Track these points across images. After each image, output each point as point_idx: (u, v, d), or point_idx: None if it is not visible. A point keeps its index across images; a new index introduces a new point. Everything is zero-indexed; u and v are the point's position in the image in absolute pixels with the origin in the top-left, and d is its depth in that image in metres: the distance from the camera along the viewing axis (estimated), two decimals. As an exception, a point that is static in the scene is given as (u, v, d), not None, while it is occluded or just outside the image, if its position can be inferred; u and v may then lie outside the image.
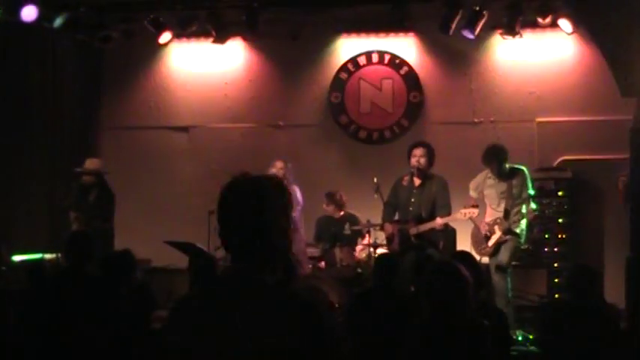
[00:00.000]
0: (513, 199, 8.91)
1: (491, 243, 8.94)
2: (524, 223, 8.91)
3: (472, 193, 9.26)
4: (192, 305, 2.69)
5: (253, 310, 2.58)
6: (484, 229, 9.01)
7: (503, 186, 9.01)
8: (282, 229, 2.74)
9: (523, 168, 9.08)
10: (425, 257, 6.46)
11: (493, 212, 9.05)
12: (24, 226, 10.89)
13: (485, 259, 8.97)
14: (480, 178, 9.22)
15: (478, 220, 9.09)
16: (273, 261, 2.73)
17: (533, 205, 9.09)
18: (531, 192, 9.00)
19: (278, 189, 2.76)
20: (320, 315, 2.61)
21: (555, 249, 10.32)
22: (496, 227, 8.94)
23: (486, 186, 9.14)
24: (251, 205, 2.67)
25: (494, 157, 8.99)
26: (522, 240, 8.94)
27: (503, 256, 8.82)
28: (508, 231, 8.89)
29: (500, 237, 8.91)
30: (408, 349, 4.62)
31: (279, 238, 2.73)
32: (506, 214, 8.93)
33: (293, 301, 2.62)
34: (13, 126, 11.12)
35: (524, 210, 8.92)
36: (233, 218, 2.69)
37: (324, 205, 10.31)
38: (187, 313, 2.68)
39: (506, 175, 9.01)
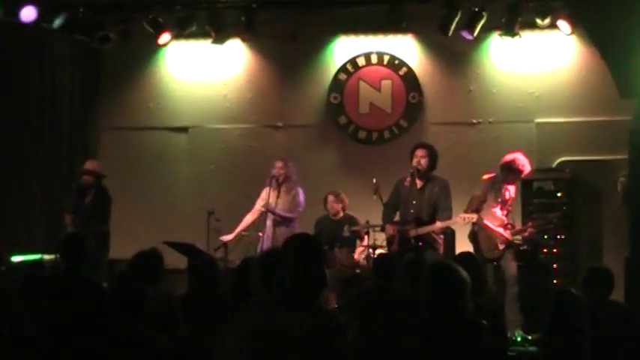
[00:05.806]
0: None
1: (502, 247, 9.08)
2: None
3: (479, 193, 9.31)
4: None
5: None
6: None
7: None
8: None
9: None
10: (419, 259, 6.51)
11: (494, 212, 9.19)
12: (22, 226, 10.89)
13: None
14: (493, 181, 9.34)
15: (482, 222, 9.20)
16: None
17: None
18: None
19: None
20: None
21: (554, 250, 10.31)
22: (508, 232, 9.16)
23: (494, 190, 9.26)
24: None
25: (515, 170, 9.21)
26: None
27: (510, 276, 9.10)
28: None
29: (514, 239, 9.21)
30: (407, 349, 4.63)
31: None
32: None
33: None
34: (11, 127, 11.14)
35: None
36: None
37: (333, 204, 10.21)
38: None
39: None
